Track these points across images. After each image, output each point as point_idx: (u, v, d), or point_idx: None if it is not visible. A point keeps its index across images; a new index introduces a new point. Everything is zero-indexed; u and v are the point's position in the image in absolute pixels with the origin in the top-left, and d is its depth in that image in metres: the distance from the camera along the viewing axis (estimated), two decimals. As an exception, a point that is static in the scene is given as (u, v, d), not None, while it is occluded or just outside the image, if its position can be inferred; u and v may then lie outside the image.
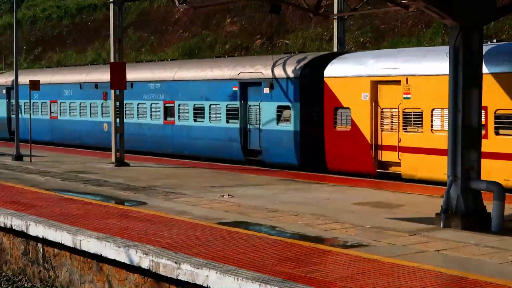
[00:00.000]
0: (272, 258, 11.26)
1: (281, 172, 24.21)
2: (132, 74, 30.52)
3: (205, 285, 10.57)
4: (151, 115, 30.57)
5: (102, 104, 33.19)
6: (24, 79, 37.01)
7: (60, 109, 36.21)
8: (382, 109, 21.94)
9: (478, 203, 14.19)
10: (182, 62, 31.84)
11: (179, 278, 11.05)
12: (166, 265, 11.28)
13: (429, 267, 10.65)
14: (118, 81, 25.71)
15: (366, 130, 22.13)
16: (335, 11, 27.15)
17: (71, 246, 13.55)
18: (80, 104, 34.92)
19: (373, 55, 23.40)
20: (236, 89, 26.67)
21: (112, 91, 26.32)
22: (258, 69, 26.06)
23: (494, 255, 11.51)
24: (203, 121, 28.14)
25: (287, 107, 24.87)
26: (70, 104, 35.51)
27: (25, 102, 37.01)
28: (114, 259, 12.46)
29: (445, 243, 12.48)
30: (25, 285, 15.05)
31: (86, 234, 13.37)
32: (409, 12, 30.76)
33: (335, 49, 27.22)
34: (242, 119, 26.46)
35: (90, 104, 34.05)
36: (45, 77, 36.84)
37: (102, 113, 33.27)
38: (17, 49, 30.46)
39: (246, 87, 26.46)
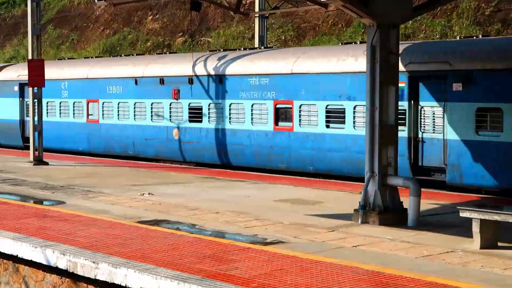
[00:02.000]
0: (192, 256, 11.22)
1: (202, 170, 24.17)
2: (222, 66, 25.01)
3: (123, 284, 10.46)
4: (252, 118, 23.72)
5: (170, 105, 26.23)
6: (52, 73, 30.97)
7: (103, 111, 28.91)
8: None
9: (395, 199, 14.45)
10: (304, 49, 24.47)
11: (97, 277, 10.91)
12: (84, 265, 11.12)
13: (347, 263, 10.78)
14: (37, 79, 25.27)
15: None
16: (256, 9, 27.28)
17: (-14, 247, 13.23)
18: (135, 104, 27.61)
19: None
20: (403, 85, 19.33)
21: (30, 89, 25.83)
22: (441, 57, 19.30)
23: (410, 250, 11.73)
24: (342, 128, 21.26)
25: (496, 110, 18.14)
26: (119, 104, 28.25)
27: (48, 102, 30.91)
28: (31, 260, 12.22)
29: (362, 238, 12.67)
30: None
31: (1, 234, 13.07)
32: (329, 11, 31.12)
33: (256, 47, 27.32)
34: (411, 126, 19.78)
35: (152, 105, 26.95)
36: (79, 70, 30.60)
37: (170, 116, 26.33)
38: None
39: (417, 82, 19.79)
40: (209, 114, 24.97)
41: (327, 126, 21.75)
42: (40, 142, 25.85)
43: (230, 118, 24.37)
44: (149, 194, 18.21)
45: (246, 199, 17.44)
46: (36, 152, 25.79)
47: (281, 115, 23.17)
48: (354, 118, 21.03)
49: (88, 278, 11.09)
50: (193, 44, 40.45)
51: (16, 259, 12.66)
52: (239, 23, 39.70)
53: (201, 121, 25.27)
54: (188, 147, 25.75)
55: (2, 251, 12.82)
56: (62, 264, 11.51)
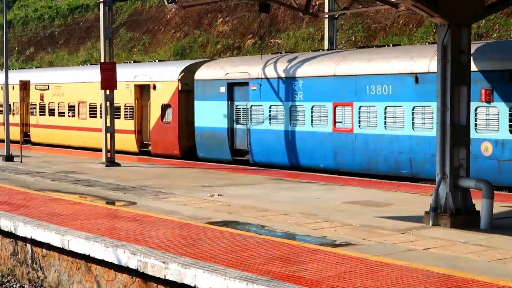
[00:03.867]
0: (261, 258, 11.23)
1: (271, 171, 24.18)
2: None
3: (192, 284, 10.53)
4: None
5: (476, 110, 19.44)
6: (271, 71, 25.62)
7: (359, 117, 22.61)
8: None
9: (467, 201, 14.20)
10: None
11: (167, 278, 11.01)
12: (154, 265, 11.24)
13: (417, 266, 10.63)
14: (109, 81, 25.66)
15: None
16: (326, 10, 27.19)
17: (59, 246, 13.49)
18: (413, 109, 21.19)
19: None
20: None
21: (102, 92, 26.24)
22: None
23: (482, 253, 11.50)
24: None
25: None
26: (386, 108, 21.89)
27: (271, 106, 25.37)
28: (102, 259, 12.41)
29: (433, 241, 12.47)
30: (14, 286, 14.99)
31: (75, 234, 13.32)
32: (400, 11, 30.80)
33: (326, 49, 27.22)
34: None
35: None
36: (321, 65, 24.12)
37: (476, 125, 19.65)
38: (7, 48, 30.34)
39: None
40: None
41: None
42: (112, 144, 26.23)
43: None
44: (218, 195, 18.31)
45: (315, 201, 17.38)
46: (108, 154, 26.20)
47: None
48: None
49: (158, 278, 11.21)
50: (262, 46, 40.54)
51: (88, 259, 12.88)
52: (309, 25, 39.62)
53: None
54: (508, 167, 19.45)
55: (75, 250, 13.06)
56: (132, 264, 11.65)
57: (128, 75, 31.22)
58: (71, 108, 34.95)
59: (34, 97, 36.96)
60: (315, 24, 38.57)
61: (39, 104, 36.97)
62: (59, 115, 35.75)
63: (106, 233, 13.39)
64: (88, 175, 23.00)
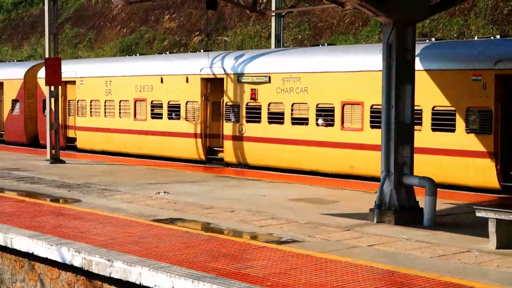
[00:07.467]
0: (206, 255, 11.22)
1: (218, 169, 24.15)
2: None
3: (138, 282, 10.47)
4: None
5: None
6: None
7: None
8: None
9: (411, 199, 14.40)
10: None
11: (111, 275, 10.92)
12: (98, 263, 11.14)
13: (361, 262, 10.74)
14: (53, 77, 25.33)
15: None
16: (273, 8, 27.26)
17: (2, 244, 13.26)
18: None
19: None
20: None
21: (47, 88, 25.90)
22: None
23: (425, 250, 11.67)
24: None
25: None
26: None
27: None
28: (46, 258, 12.26)
29: (378, 238, 12.62)
30: (-45, 285, 14.72)
31: (18, 232, 13.12)
32: (346, 10, 31.03)
33: (273, 47, 27.32)
34: None
35: None
36: None
37: None
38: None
39: None
40: None
41: None
42: (57, 140, 25.91)
43: None
44: (164, 192, 18.23)
45: (261, 198, 17.42)
46: (53, 151, 25.86)
47: None
48: None
49: (103, 276, 11.11)
50: (209, 43, 40.47)
51: (32, 257, 12.70)
52: (256, 22, 39.67)
53: None
54: None
55: (18, 248, 12.86)
56: (77, 262, 11.53)
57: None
58: (323, 112, 22.24)
59: (234, 93, 24.95)
60: (262, 22, 38.64)
61: (246, 105, 24.43)
62: (293, 123, 23.01)
63: (50, 231, 13.22)
64: (32, 172, 22.68)
